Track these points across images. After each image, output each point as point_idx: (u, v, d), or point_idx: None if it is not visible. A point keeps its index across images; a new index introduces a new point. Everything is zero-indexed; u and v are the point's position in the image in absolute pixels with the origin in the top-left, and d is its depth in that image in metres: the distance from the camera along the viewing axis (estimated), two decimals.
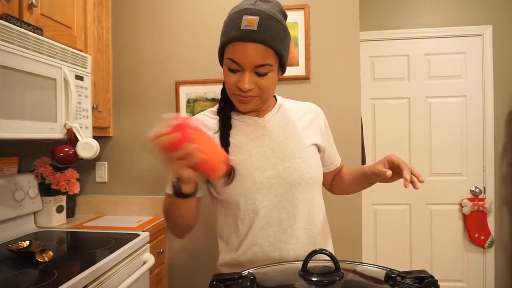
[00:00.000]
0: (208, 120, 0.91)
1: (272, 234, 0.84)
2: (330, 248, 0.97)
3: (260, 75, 0.79)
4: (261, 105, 0.86)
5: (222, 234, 0.92)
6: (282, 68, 0.85)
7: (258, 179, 0.83)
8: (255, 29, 0.74)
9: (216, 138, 0.87)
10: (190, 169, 0.65)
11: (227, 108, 0.89)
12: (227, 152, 0.84)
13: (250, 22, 0.75)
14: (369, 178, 0.87)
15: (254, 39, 0.75)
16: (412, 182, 0.73)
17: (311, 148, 0.90)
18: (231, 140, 0.86)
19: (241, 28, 0.75)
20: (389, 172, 0.76)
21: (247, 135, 0.87)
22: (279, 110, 0.93)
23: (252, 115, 0.90)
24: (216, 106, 0.94)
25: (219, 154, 0.70)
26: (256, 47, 0.75)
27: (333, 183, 1.07)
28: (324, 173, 0.99)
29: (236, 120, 0.90)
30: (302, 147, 0.88)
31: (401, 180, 0.78)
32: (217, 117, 0.90)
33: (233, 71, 0.80)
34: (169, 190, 0.83)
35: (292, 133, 0.89)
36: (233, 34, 0.76)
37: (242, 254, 0.86)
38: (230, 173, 0.82)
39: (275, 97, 0.97)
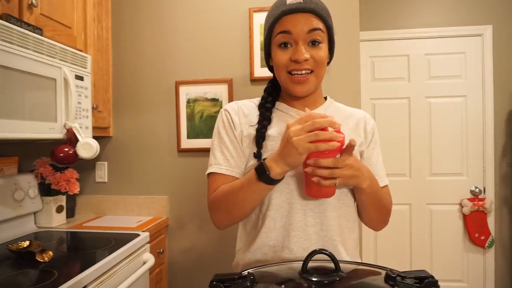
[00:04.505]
0: (253, 108, 0.88)
1: (294, 241, 0.78)
2: None
3: (313, 44, 0.78)
4: (315, 86, 0.83)
5: (243, 234, 0.88)
6: (330, 48, 0.83)
7: (290, 173, 0.78)
8: (302, 1, 0.77)
9: (254, 128, 0.84)
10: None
11: (271, 99, 0.87)
12: (261, 147, 0.81)
13: None
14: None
15: (302, 9, 0.76)
16: None
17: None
18: (272, 132, 0.83)
19: (287, 3, 0.77)
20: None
21: None
22: (327, 109, 0.89)
23: (299, 108, 0.87)
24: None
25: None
26: (306, 16, 0.77)
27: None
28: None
29: (281, 112, 0.87)
30: None
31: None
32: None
33: (285, 45, 0.78)
34: (225, 171, 0.82)
35: None
36: (281, 10, 0.78)
37: (260, 255, 0.81)
38: (258, 155, 0.80)
39: (325, 98, 0.94)
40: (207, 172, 0.86)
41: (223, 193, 0.80)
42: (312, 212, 0.79)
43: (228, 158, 0.83)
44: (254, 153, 0.80)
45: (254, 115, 0.87)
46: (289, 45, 0.79)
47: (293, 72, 0.79)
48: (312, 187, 0.72)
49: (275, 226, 0.80)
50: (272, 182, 0.71)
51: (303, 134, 0.64)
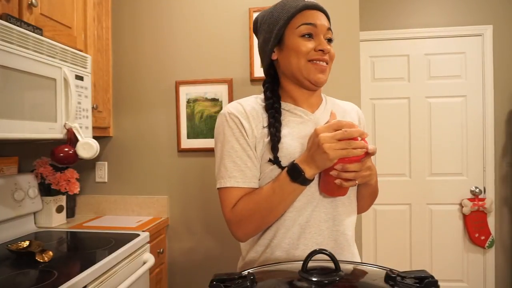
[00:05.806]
0: (258, 107, 0.85)
1: (308, 237, 0.80)
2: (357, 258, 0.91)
3: (329, 40, 0.84)
4: (326, 79, 0.86)
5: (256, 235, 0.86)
6: None
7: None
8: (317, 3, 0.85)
9: (265, 131, 0.82)
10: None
11: (276, 101, 0.85)
12: (278, 151, 0.79)
13: None
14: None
15: (319, 8, 0.84)
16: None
17: None
18: (283, 132, 0.82)
19: (306, 1, 0.83)
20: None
21: (299, 129, 0.83)
22: (326, 106, 0.92)
23: (305, 107, 0.88)
24: (262, 97, 0.89)
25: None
26: (323, 16, 0.84)
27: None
28: None
29: (288, 112, 0.86)
30: None
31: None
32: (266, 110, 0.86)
33: (309, 36, 0.82)
34: (242, 184, 0.79)
35: None
36: (302, 3, 0.83)
37: (276, 253, 0.81)
38: (276, 161, 0.79)
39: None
40: (219, 186, 0.82)
41: (253, 204, 0.77)
42: (325, 209, 0.82)
43: (243, 169, 0.80)
44: (270, 159, 0.79)
45: (262, 116, 0.84)
46: (311, 36, 0.82)
47: (315, 61, 0.82)
48: (331, 187, 0.76)
49: (293, 225, 0.80)
50: (307, 182, 0.74)
51: (333, 141, 0.67)
